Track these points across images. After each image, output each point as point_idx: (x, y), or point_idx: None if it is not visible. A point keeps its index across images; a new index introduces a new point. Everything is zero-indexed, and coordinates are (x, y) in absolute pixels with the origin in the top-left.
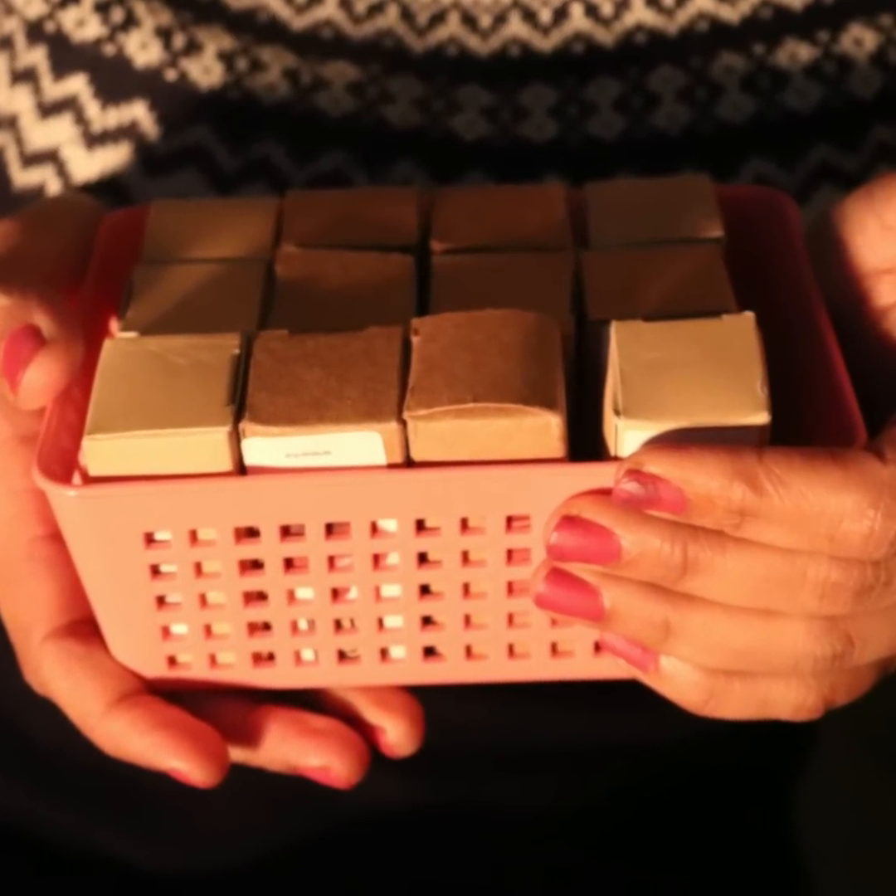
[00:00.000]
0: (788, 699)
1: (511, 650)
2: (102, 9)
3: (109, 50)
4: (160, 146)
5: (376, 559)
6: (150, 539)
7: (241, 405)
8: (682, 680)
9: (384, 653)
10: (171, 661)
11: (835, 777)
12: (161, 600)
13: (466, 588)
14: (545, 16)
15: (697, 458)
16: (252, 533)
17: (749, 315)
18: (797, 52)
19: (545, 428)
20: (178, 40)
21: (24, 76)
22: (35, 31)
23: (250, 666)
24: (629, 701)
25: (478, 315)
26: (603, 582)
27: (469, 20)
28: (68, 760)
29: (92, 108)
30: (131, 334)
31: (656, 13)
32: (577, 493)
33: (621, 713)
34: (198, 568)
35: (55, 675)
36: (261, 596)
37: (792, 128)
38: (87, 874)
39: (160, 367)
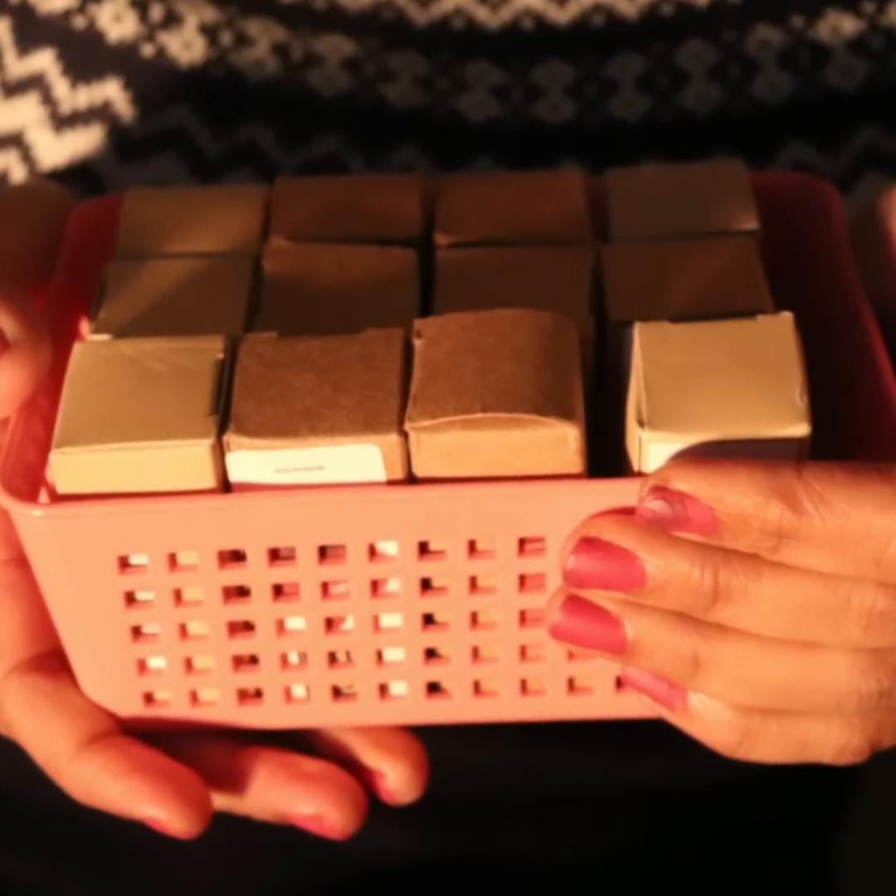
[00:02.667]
0: (830, 740)
1: (524, 686)
2: None
3: (80, 22)
4: (136, 129)
5: (375, 585)
6: (124, 563)
7: (225, 415)
8: (712, 719)
9: (383, 689)
10: (148, 698)
11: (881, 827)
12: (137, 631)
13: (474, 617)
14: None
15: (730, 474)
16: (237, 557)
17: (787, 315)
18: (840, 25)
19: (562, 440)
20: (156, 12)
21: None
22: None
23: (235, 704)
24: (654, 742)
25: (487, 316)
26: (625, 611)
27: None
28: (34, 807)
29: (60, 87)
30: (104, 337)
31: None
32: (597, 513)
33: (645, 756)
34: (177, 595)
35: (19, 713)
36: (247, 626)
37: (834, 109)
38: None
39: (136, 374)
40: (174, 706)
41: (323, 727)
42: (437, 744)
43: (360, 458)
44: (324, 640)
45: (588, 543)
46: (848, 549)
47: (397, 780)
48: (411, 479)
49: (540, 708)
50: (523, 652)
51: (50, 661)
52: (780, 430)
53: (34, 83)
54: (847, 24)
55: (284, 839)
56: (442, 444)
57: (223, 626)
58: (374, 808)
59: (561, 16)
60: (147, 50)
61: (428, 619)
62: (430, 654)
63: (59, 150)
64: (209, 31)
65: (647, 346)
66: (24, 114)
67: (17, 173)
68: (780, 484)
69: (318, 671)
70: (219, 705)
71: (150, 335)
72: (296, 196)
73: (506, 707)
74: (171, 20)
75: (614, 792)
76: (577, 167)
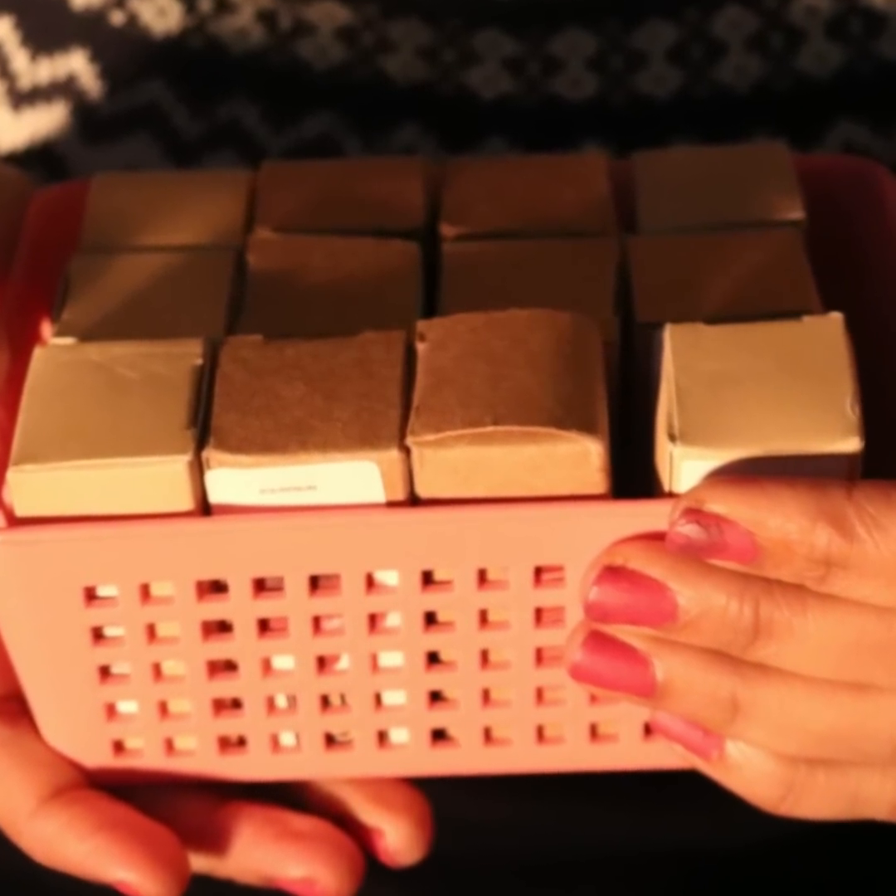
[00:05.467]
0: (885, 794)
1: (540, 734)
2: None
3: None
4: (104, 106)
5: (373, 620)
6: (91, 595)
7: (204, 429)
8: (752, 770)
9: (383, 737)
10: (118, 746)
11: None
12: (105, 671)
13: (485, 656)
14: None
15: (772, 495)
16: (218, 588)
17: (836, 316)
18: None
19: (583, 456)
20: None
21: None
22: None
23: (216, 753)
24: (687, 797)
25: (498, 317)
26: (655, 649)
27: None
28: None
29: (19, 60)
30: (68, 340)
31: None
32: (623, 539)
33: (677, 812)
34: (151, 631)
35: None
36: (229, 666)
37: (889, 83)
38: None
39: (104, 382)
40: (147, 756)
41: (315, 779)
42: (442, 798)
43: (356, 476)
44: (315, 682)
45: (613, 573)
46: None
47: (398, 838)
48: (414, 501)
49: (558, 758)
50: (540, 695)
51: (8, 705)
52: (829, 444)
53: None
54: None
55: None
56: (448, 461)
57: (202, 666)
58: (372, 870)
59: None
60: (116, 17)
61: (432, 658)
62: (435, 697)
63: (17, 129)
64: None
65: (679, 350)
66: None
67: None
68: (829, 506)
69: (308, 716)
70: (197, 755)
71: (120, 338)
72: (284, 182)
73: (520, 757)
74: None
75: (642, 852)
76: (600, 149)
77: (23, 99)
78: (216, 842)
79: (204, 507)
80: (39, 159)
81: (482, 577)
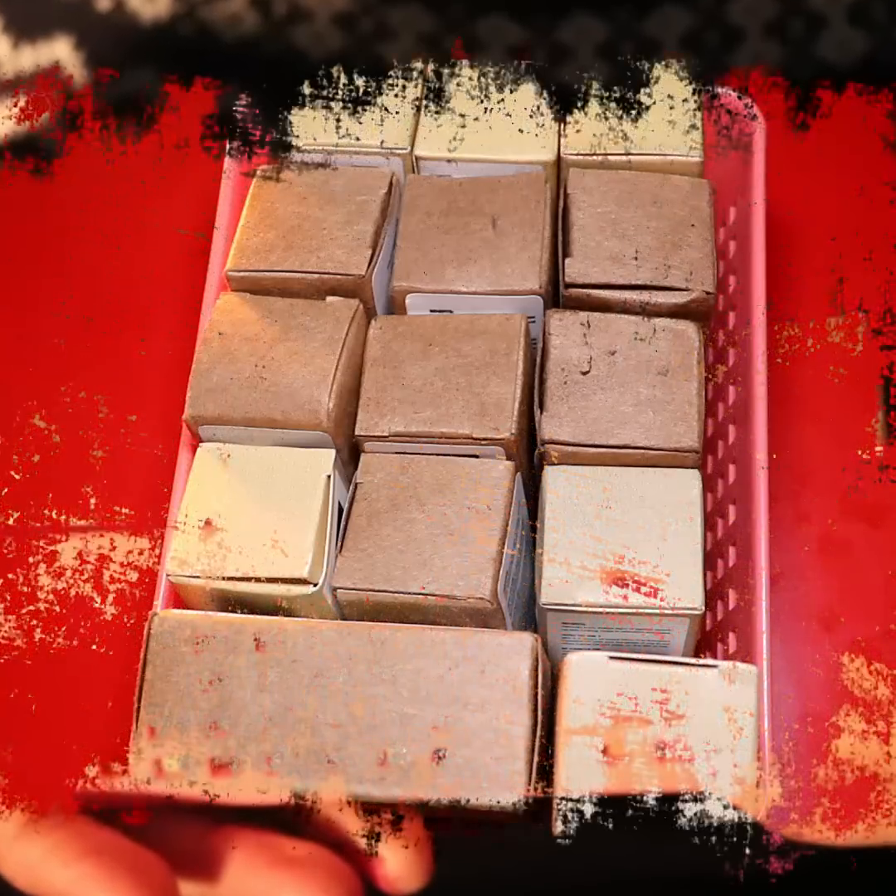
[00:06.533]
0: None
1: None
2: None
3: None
4: (90, 96)
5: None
6: None
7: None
8: (769, 790)
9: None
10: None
11: None
12: None
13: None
14: None
15: None
16: None
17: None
18: None
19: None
20: None
21: None
22: None
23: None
24: (699, 819)
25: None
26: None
27: None
28: None
29: (1, 47)
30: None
31: None
32: None
33: (689, 835)
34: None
35: None
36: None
37: None
38: None
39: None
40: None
41: (311, 802)
42: (443, 821)
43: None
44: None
45: None
46: None
47: (398, 864)
48: None
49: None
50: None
51: None
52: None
53: None
54: None
55: None
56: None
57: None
58: None
59: None
60: (103, 3)
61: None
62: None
63: (0, 119)
64: None
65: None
66: None
67: None
68: None
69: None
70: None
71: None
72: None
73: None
74: None
75: (651, 877)
76: None
77: (4, 88)
78: (208, 868)
79: None
80: (23, 150)
81: None
